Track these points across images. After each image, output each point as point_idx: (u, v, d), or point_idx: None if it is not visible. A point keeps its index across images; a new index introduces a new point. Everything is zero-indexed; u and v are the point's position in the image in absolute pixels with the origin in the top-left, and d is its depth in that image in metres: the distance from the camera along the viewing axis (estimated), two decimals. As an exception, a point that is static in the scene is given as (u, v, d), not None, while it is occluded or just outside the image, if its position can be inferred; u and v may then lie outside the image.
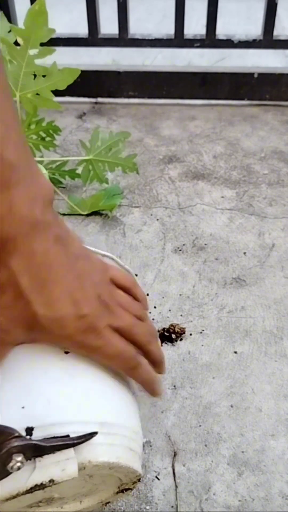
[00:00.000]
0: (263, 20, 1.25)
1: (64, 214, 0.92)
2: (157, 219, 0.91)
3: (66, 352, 0.40)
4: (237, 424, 0.58)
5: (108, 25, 1.33)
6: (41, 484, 0.36)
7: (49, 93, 0.85)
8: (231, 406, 0.60)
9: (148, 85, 1.32)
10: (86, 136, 1.17)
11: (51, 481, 0.36)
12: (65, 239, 0.39)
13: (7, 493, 0.37)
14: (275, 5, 1.21)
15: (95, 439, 0.37)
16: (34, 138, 0.92)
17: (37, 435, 0.35)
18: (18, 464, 0.34)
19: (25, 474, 0.36)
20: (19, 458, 0.34)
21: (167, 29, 1.31)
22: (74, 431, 0.36)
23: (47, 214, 0.37)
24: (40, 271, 0.36)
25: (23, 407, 0.37)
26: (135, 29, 1.34)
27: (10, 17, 1.28)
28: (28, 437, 0.35)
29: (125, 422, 0.40)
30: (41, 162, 0.97)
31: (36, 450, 0.35)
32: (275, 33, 1.26)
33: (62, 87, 0.84)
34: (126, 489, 0.44)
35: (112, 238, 0.86)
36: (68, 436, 0.36)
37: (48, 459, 0.35)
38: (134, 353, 0.41)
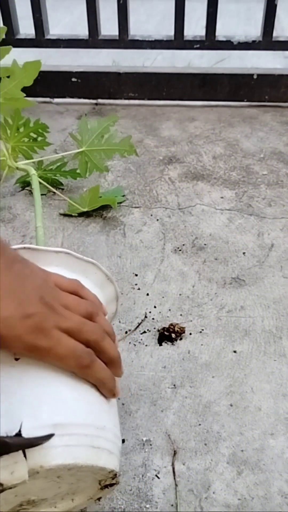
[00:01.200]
0: (262, 21, 1.25)
1: (65, 215, 0.93)
2: (157, 220, 0.91)
3: (17, 359, 0.39)
4: (237, 423, 0.58)
5: (108, 27, 1.34)
6: None
7: (18, 92, 0.84)
8: (231, 405, 0.60)
9: (148, 86, 1.32)
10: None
11: (0, 485, 0.35)
12: None
13: None
14: (275, 6, 1.21)
15: (49, 442, 0.36)
16: (27, 141, 0.92)
17: None
18: None
19: None
20: None
21: (167, 31, 1.32)
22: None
23: None
24: None
25: None
26: (135, 30, 1.35)
27: (10, 17, 1.29)
28: None
29: (84, 420, 0.39)
30: (40, 163, 0.97)
31: (4, 448, 0.34)
32: (274, 34, 1.26)
33: (28, 83, 0.83)
34: (110, 485, 0.43)
35: (113, 238, 0.87)
36: (29, 438, 0.35)
37: None
38: (85, 352, 0.40)
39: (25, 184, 1.00)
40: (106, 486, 0.43)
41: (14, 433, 0.35)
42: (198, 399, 0.61)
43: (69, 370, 0.40)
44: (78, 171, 0.94)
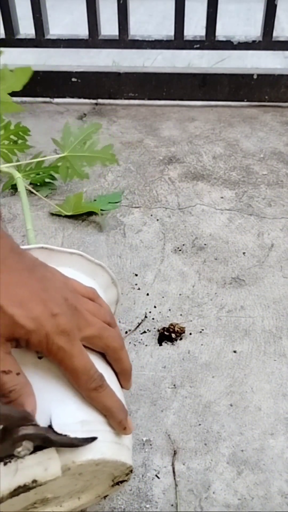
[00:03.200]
0: (262, 22, 1.25)
1: (56, 215, 0.92)
2: (157, 220, 0.91)
3: (40, 357, 0.40)
4: (237, 423, 0.59)
5: (108, 27, 1.34)
6: (24, 485, 0.36)
7: (7, 96, 0.83)
8: (231, 405, 0.60)
9: (148, 86, 1.32)
10: (86, 137, 1.18)
11: (34, 481, 0.36)
12: (19, 249, 0.40)
13: None
14: (275, 6, 1.21)
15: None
16: (7, 143, 0.92)
17: None
18: (25, 451, 0.34)
19: (8, 478, 0.36)
20: (29, 445, 0.34)
21: (167, 31, 1.32)
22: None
23: None
24: (3, 276, 0.37)
25: None
26: (135, 30, 1.35)
27: (10, 17, 1.29)
28: (42, 427, 0.35)
29: (104, 417, 0.40)
30: (19, 166, 0.96)
31: (45, 442, 0.35)
32: (274, 34, 1.26)
33: (17, 88, 0.82)
34: (121, 481, 0.44)
35: (113, 238, 0.87)
36: (76, 437, 0.36)
37: (30, 460, 0.35)
38: (98, 375, 0.40)
39: (14, 188, 1.00)
40: (117, 483, 0.44)
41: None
42: (198, 399, 0.61)
43: (76, 388, 0.40)
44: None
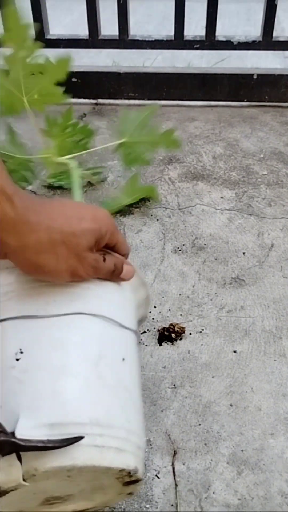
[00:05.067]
0: (262, 22, 1.25)
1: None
2: (157, 220, 0.91)
3: (17, 359, 0.39)
4: (237, 423, 0.58)
5: (109, 27, 1.34)
6: None
7: (53, 87, 0.83)
8: (231, 405, 0.60)
9: (148, 87, 1.32)
10: (86, 137, 1.18)
11: None
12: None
13: None
14: (275, 6, 1.21)
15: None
16: (70, 142, 0.90)
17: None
18: None
19: None
20: None
21: (167, 31, 1.32)
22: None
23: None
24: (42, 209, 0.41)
25: None
26: (135, 30, 1.35)
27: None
28: (9, 434, 0.34)
29: (86, 418, 0.38)
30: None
31: (14, 448, 0.35)
32: (274, 34, 1.26)
33: (61, 78, 0.81)
34: (131, 482, 0.41)
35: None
36: (48, 440, 0.35)
37: None
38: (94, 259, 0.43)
39: (55, 182, 0.98)
40: (128, 483, 0.42)
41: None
42: (198, 399, 0.61)
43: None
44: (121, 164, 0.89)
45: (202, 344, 0.68)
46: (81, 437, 0.36)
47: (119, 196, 0.89)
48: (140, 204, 0.96)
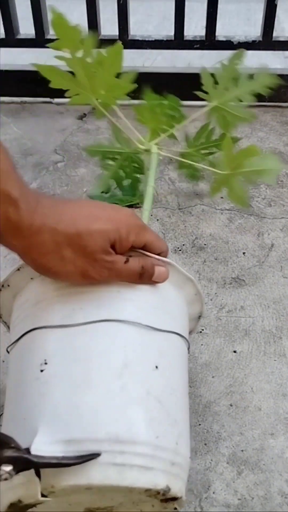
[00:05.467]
0: (262, 22, 1.25)
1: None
2: (157, 219, 0.91)
3: (42, 371, 0.39)
4: (237, 423, 0.58)
5: (109, 27, 1.34)
6: (14, 503, 0.35)
7: (115, 79, 0.79)
8: (231, 405, 0.60)
9: (148, 86, 1.32)
10: (87, 137, 1.18)
11: (20, 501, 0.35)
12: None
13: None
14: (275, 6, 1.21)
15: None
16: (164, 120, 0.88)
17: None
18: (6, 475, 0.33)
19: (5, 493, 0.36)
20: (8, 468, 0.33)
21: (167, 31, 1.32)
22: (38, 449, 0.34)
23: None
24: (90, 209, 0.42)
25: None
26: (135, 30, 1.35)
27: (10, 17, 1.29)
28: (22, 450, 0.34)
29: (105, 435, 0.36)
30: (187, 138, 0.90)
31: (28, 464, 0.34)
32: (274, 34, 1.26)
33: (119, 68, 0.78)
34: (173, 498, 0.39)
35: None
36: (63, 456, 0.34)
37: (16, 479, 0.34)
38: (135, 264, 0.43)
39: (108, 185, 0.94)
40: (165, 500, 0.39)
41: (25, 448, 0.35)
42: (198, 399, 0.61)
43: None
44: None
45: (202, 344, 0.68)
46: (98, 454, 0.34)
47: (217, 172, 0.80)
48: (140, 204, 0.96)
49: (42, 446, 0.34)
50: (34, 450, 0.34)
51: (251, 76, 0.84)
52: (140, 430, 0.37)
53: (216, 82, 0.82)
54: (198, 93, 0.84)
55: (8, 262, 0.82)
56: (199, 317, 0.55)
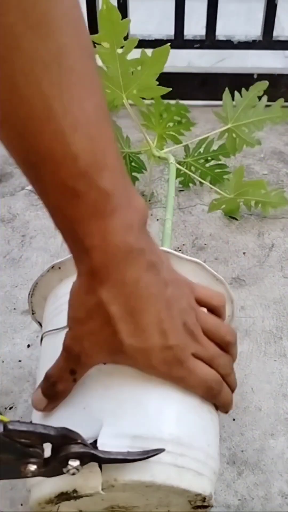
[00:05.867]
0: (262, 21, 1.25)
1: None
2: (157, 219, 0.91)
3: (104, 363, 0.39)
4: (237, 424, 0.58)
5: (108, 26, 1.33)
6: (66, 492, 0.35)
7: (152, 81, 0.79)
8: (231, 406, 0.60)
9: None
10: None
11: (75, 491, 0.35)
12: (157, 266, 0.37)
13: (37, 498, 0.37)
14: (275, 6, 1.21)
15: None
16: (172, 126, 0.89)
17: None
18: (73, 470, 0.33)
19: (53, 481, 0.36)
20: (75, 463, 0.33)
21: (167, 30, 1.32)
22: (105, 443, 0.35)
23: (141, 240, 0.36)
24: (130, 301, 0.36)
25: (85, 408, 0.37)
26: (135, 29, 1.34)
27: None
28: (89, 445, 0.34)
29: (169, 435, 0.37)
30: (187, 149, 0.91)
31: (94, 460, 0.34)
32: (274, 34, 1.26)
33: (159, 70, 0.78)
34: (202, 506, 0.40)
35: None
36: (128, 452, 0.35)
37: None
38: (216, 382, 0.40)
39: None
40: (198, 507, 0.40)
41: (91, 441, 0.35)
42: (198, 400, 0.61)
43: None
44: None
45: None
46: (162, 450, 0.35)
47: (222, 194, 0.84)
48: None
49: (108, 440, 0.35)
50: (101, 444, 0.35)
51: (267, 106, 0.86)
52: (197, 436, 0.39)
53: (234, 106, 0.85)
54: (216, 113, 0.86)
55: (8, 262, 0.82)
56: (231, 320, 0.56)
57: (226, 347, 0.42)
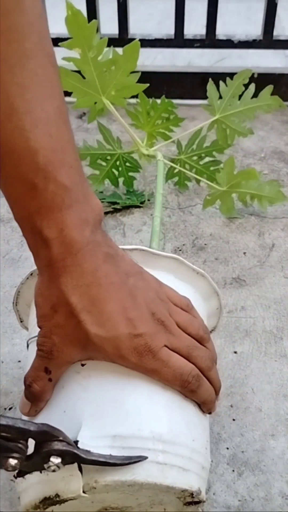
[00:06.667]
0: (263, 20, 1.25)
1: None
2: (157, 219, 0.91)
3: (83, 365, 0.38)
4: (237, 424, 0.58)
5: (109, 26, 1.33)
6: (49, 497, 0.35)
7: (127, 79, 0.78)
8: (231, 406, 0.60)
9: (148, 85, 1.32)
10: (86, 136, 1.17)
11: (57, 495, 0.35)
12: (115, 257, 0.38)
13: (24, 505, 0.37)
14: (275, 5, 1.21)
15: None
16: (160, 123, 0.88)
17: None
18: (54, 467, 0.33)
19: (37, 487, 0.36)
20: (57, 460, 0.33)
21: (167, 29, 1.31)
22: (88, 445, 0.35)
23: (97, 234, 0.37)
24: (90, 290, 0.36)
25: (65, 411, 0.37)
26: (135, 29, 1.34)
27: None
28: (72, 444, 0.34)
29: (149, 433, 0.36)
30: (180, 146, 0.90)
31: (76, 459, 0.34)
32: (275, 33, 1.26)
33: (133, 67, 0.77)
34: (193, 502, 0.39)
35: (112, 238, 0.86)
36: (110, 455, 0.34)
37: (56, 473, 0.34)
38: (193, 376, 0.39)
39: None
40: (189, 503, 0.40)
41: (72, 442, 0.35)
42: (198, 400, 0.61)
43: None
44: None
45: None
46: (145, 457, 0.35)
47: (215, 187, 0.83)
48: (140, 204, 0.95)
49: (88, 440, 0.35)
50: (81, 444, 0.35)
51: (255, 95, 0.85)
52: (180, 432, 0.38)
53: (220, 97, 0.84)
54: (203, 105, 0.85)
55: (7, 262, 0.81)
56: (212, 331, 0.56)
57: (202, 341, 0.41)
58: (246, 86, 0.85)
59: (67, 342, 0.37)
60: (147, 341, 0.37)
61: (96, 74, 0.77)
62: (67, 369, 0.39)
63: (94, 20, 0.75)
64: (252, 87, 0.84)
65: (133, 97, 0.84)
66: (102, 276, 0.37)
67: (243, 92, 0.85)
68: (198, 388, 0.39)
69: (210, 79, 0.87)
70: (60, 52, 0.82)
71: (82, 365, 0.39)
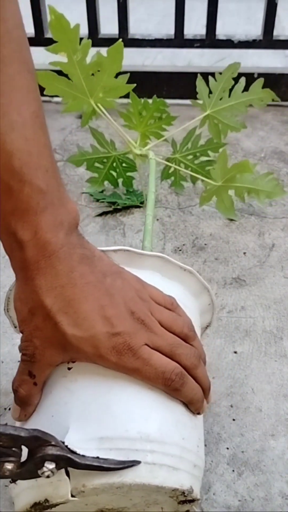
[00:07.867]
0: (263, 20, 1.25)
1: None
2: (157, 219, 0.91)
3: (69, 368, 0.38)
4: (237, 424, 0.58)
5: (108, 26, 1.33)
6: (39, 502, 0.35)
7: (114, 80, 0.78)
8: (231, 406, 0.60)
9: (148, 85, 1.32)
10: (86, 136, 1.17)
11: (46, 500, 0.35)
12: (91, 259, 0.38)
13: (18, 510, 0.37)
14: (275, 5, 1.21)
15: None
16: (153, 123, 0.88)
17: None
18: (48, 472, 0.33)
19: (28, 492, 0.36)
20: (51, 466, 0.33)
21: (167, 29, 1.31)
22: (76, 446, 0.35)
23: (72, 237, 0.37)
24: (65, 291, 0.36)
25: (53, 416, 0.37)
26: (135, 29, 1.34)
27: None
28: (65, 449, 0.34)
29: (137, 433, 0.36)
30: (174, 145, 0.90)
31: (70, 464, 0.34)
32: (275, 33, 1.26)
33: (118, 68, 0.77)
34: (190, 501, 0.39)
35: (112, 238, 0.86)
36: (106, 459, 0.34)
37: (44, 478, 0.34)
38: (176, 374, 0.38)
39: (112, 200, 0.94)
40: (183, 502, 0.39)
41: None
42: (198, 400, 0.61)
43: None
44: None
45: (202, 345, 0.67)
46: (138, 462, 0.35)
47: (210, 183, 0.83)
48: (140, 204, 0.95)
49: (76, 444, 0.34)
50: (69, 445, 0.35)
51: (246, 88, 0.85)
52: (169, 431, 0.38)
53: (210, 92, 0.84)
54: (193, 101, 0.85)
55: (7, 262, 0.81)
56: (207, 327, 0.55)
57: (187, 339, 0.41)
58: (236, 80, 0.85)
59: (47, 344, 0.37)
60: (126, 340, 0.37)
61: (83, 77, 0.77)
62: (53, 373, 0.39)
63: (77, 24, 0.75)
64: (243, 80, 0.83)
65: (125, 97, 0.84)
66: (77, 276, 0.37)
67: (233, 87, 0.85)
68: (182, 387, 0.39)
69: (198, 74, 0.86)
70: (55, 57, 0.82)
71: (69, 369, 0.38)
